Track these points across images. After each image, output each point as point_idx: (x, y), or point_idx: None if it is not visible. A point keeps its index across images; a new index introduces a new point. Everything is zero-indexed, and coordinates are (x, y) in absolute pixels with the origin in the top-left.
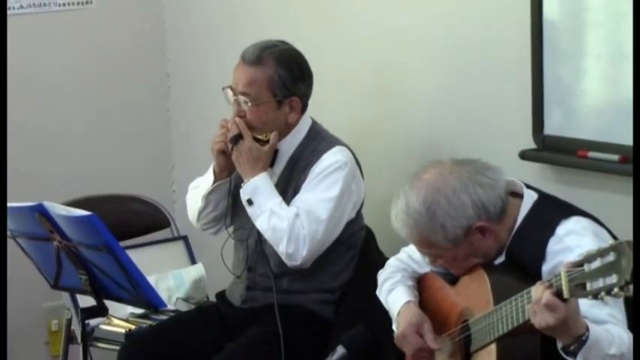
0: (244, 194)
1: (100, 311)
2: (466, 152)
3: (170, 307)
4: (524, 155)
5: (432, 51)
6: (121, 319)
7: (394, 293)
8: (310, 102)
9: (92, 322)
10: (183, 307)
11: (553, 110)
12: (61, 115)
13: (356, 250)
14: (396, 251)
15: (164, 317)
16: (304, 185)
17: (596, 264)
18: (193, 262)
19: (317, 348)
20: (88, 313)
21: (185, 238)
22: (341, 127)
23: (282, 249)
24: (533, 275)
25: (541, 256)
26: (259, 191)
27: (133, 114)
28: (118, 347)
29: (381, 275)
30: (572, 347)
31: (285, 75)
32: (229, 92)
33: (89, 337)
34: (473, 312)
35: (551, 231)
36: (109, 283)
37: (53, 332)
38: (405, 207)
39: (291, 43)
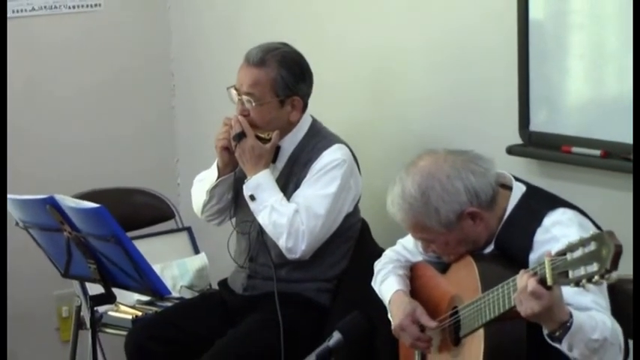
0: (247, 190)
1: (108, 298)
2: (457, 147)
3: (175, 294)
4: (511, 150)
5: (426, 53)
6: (128, 305)
7: (386, 283)
8: (311, 101)
9: (101, 308)
10: (187, 295)
11: (538, 108)
12: (72, 113)
13: (353, 242)
14: (391, 242)
15: (169, 304)
16: (304, 181)
17: (578, 253)
18: (197, 251)
19: (314, 334)
20: (96, 300)
21: (189, 229)
22: (340, 125)
23: (282, 243)
24: (520, 264)
25: (529, 246)
26: (261, 188)
27: (140, 111)
28: (125, 333)
29: (377, 266)
30: (557, 333)
31: (287, 76)
32: (233, 92)
33: (98, 323)
34: (462, 299)
35: (538, 221)
36: (117, 271)
37: (64, 318)
38: (400, 192)
39: (292, 43)
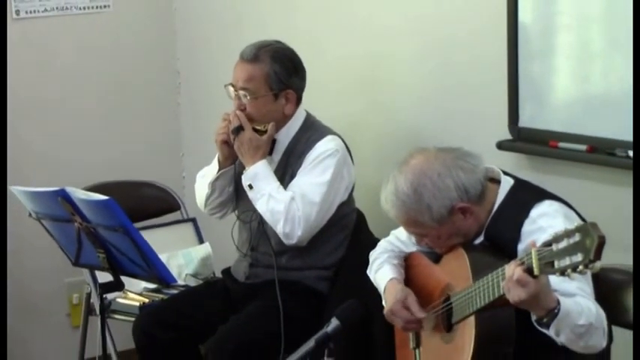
0: (245, 180)
1: (117, 286)
2: (448, 143)
3: (180, 282)
4: (500, 145)
5: (417, 52)
6: (135, 293)
7: (381, 272)
8: (306, 96)
9: (109, 295)
10: (192, 283)
11: (527, 104)
12: (83, 109)
13: (348, 231)
14: (386, 233)
15: (175, 291)
16: (299, 171)
17: (563, 244)
18: (201, 241)
19: (313, 320)
20: (105, 287)
21: (194, 220)
22: (333, 120)
23: (279, 229)
24: (509, 254)
25: (517, 236)
26: (259, 177)
27: (147, 108)
28: (133, 319)
29: (372, 255)
30: (545, 319)
31: (280, 70)
32: (230, 89)
33: (107, 309)
34: (454, 287)
35: (525, 213)
36: (125, 260)
37: (74, 305)
38: (394, 189)
39: (289, 42)
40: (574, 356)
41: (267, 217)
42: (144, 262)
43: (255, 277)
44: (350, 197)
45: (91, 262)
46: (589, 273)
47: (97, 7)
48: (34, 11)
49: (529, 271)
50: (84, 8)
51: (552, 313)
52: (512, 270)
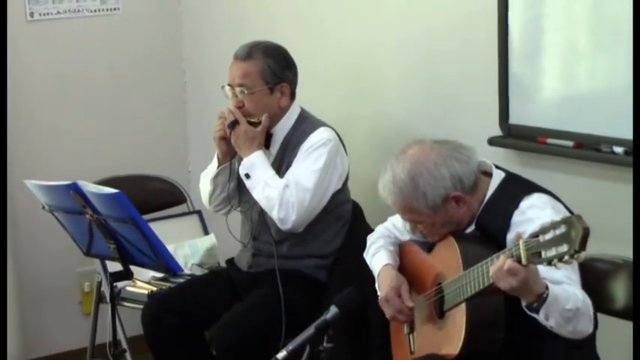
0: (242, 169)
1: (126, 275)
2: (443, 138)
3: (186, 271)
4: (491, 141)
5: (411, 51)
6: (144, 281)
7: (377, 256)
8: (301, 94)
9: (119, 284)
10: (198, 272)
11: (517, 103)
12: (94, 108)
13: (344, 220)
14: (381, 223)
15: (181, 280)
16: (294, 161)
17: (550, 235)
18: (206, 233)
19: (312, 307)
20: (115, 276)
21: (199, 213)
22: (327, 117)
23: (274, 215)
24: (498, 243)
25: (506, 226)
26: (255, 166)
27: (154, 106)
28: (141, 306)
29: (369, 239)
30: (534, 304)
31: (273, 64)
32: (227, 89)
33: (117, 297)
34: (446, 276)
35: (515, 205)
36: (134, 251)
37: (86, 293)
38: (391, 177)
39: (289, 42)
40: (562, 342)
41: (263, 204)
42: (152, 253)
43: (258, 266)
44: (344, 187)
45: (101, 252)
46: (575, 262)
47: (107, 10)
48: (48, 14)
49: (517, 261)
50: (95, 11)
51: (541, 298)
52: (502, 261)
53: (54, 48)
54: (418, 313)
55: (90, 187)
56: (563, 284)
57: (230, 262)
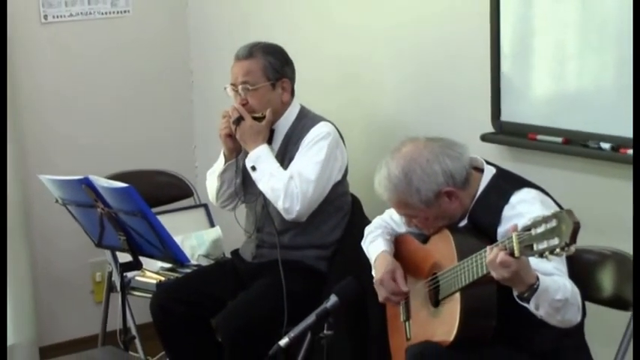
0: (249, 162)
1: (136, 266)
2: (437, 135)
3: (193, 262)
4: (484, 138)
5: (406, 51)
6: (152, 272)
7: (374, 244)
8: (302, 92)
9: (129, 274)
10: (204, 262)
11: (508, 101)
12: (104, 106)
13: (344, 212)
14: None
15: (188, 270)
16: (297, 154)
17: (541, 229)
18: (212, 225)
19: (313, 296)
20: (125, 267)
21: (205, 206)
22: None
23: (280, 205)
24: (490, 236)
25: (497, 221)
26: (261, 159)
27: (163, 104)
28: (150, 295)
29: (367, 229)
30: (526, 294)
31: (274, 61)
32: (230, 88)
33: (127, 286)
34: (440, 266)
35: (506, 199)
36: (143, 242)
37: (97, 283)
38: (386, 174)
39: (292, 42)
40: (551, 330)
41: (268, 195)
42: (160, 244)
43: (261, 257)
44: (344, 179)
45: (112, 243)
46: (564, 254)
47: (117, 12)
48: (61, 16)
49: (510, 253)
50: (106, 13)
51: (532, 288)
52: (495, 253)
53: (66, 48)
54: (414, 302)
55: (101, 182)
56: (554, 276)
57: (235, 253)
